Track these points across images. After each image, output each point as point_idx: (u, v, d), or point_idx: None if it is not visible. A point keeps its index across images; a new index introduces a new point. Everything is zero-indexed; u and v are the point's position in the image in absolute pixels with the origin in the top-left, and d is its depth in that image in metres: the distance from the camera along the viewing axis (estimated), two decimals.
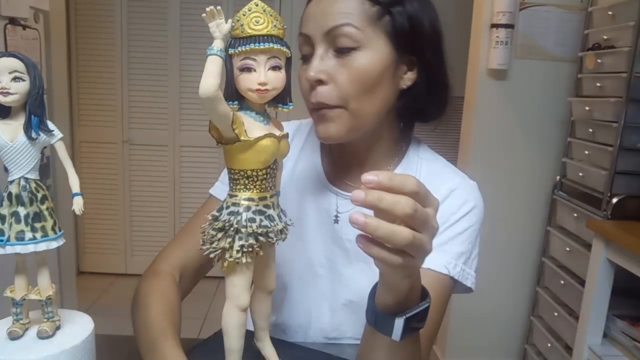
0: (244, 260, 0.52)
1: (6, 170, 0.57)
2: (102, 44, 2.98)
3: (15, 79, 0.54)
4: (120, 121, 3.06)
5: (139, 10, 2.95)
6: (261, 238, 0.53)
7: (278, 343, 0.64)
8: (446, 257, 0.76)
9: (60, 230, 0.59)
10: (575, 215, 1.91)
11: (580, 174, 1.90)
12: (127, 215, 3.15)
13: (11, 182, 0.57)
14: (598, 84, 1.83)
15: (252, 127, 0.53)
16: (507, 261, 2.25)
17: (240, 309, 0.55)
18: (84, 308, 2.68)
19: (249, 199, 0.53)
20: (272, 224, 0.54)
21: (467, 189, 0.82)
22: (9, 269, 0.59)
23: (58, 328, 0.61)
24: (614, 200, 1.67)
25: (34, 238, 0.57)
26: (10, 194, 0.57)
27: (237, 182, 0.54)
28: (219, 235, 0.53)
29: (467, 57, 2.22)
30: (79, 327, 0.62)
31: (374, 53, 0.71)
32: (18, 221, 0.56)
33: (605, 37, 1.81)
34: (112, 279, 3.17)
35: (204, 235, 0.54)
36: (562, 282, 1.95)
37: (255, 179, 0.53)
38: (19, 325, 0.60)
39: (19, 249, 0.56)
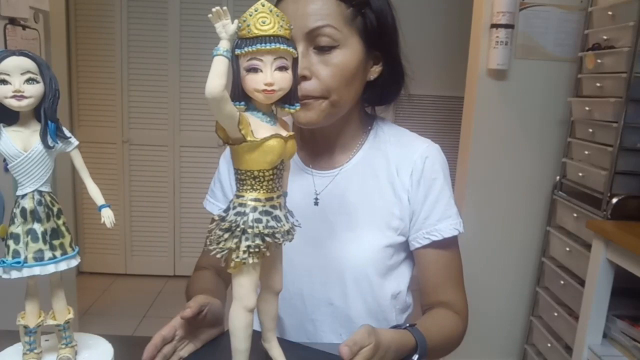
0: (250, 260, 0.52)
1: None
2: (102, 44, 2.97)
3: (29, 80, 0.49)
4: (120, 121, 3.06)
5: (139, 10, 2.95)
6: (268, 239, 0.53)
7: (285, 344, 0.64)
8: (452, 221, 0.90)
9: (76, 246, 0.54)
10: (575, 215, 1.91)
11: (580, 174, 1.90)
12: (127, 215, 3.14)
13: (23, 196, 0.51)
14: (598, 84, 1.83)
15: (259, 127, 0.53)
16: (507, 261, 2.25)
17: (247, 310, 0.55)
18: (84, 308, 2.68)
19: (256, 200, 0.53)
20: (279, 224, 0.54)
21: (435, 153, 0.92)
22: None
23: (76, 354, 0.56)
24: (614, 200, 1.67)
25: (54, 257, 0.51)
26: (24, 210, 0.50)
27: (244, 182, 0.54)
28: (226, 235, 0.53)
29: (467, 57, 2.22)
30: (97, 351, 0.59)
31: (350, 50, 0.79)
32: (35, 239, 0.50)
33: (605, 37, 1.81)
34: (112, 279, 3.17)
35: (211, 236, 0.54)
36: (562, 282, 1.95)
37: (262, 180, 0.53)
38: (33, 355, 0.54)
39: (37, 270, 0.51)
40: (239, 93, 0.52)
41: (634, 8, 1.62)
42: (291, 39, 0.54)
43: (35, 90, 0.50)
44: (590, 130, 1.86)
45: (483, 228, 2.21)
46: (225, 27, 0.48)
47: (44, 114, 0.51)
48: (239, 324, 0.55)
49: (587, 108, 1.88)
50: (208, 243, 0.55)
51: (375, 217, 0.88)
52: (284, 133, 0.55)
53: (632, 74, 1.62)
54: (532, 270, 2.24)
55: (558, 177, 2.08)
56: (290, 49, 0.52)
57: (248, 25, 0.51)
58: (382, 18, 0.83)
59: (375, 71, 0.86)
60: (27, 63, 0.50)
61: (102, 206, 0.54)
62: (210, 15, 0.48)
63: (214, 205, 0.98)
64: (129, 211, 3.15)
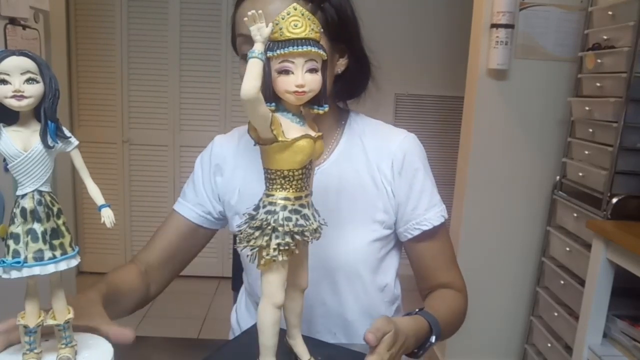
0: (280, 258, 0.54)
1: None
2: (102, 44, 2.97)
3: (28, 80, 0.49)
4: (120, 121, 3.06)
5: (139, 10, 2.95)
6: (297, 237, 0.54)
7: (309, 341, 0.65)
8: (438, 209, 0.91)
9: (76, 246, 0.54)
10: (575, 215, 1.91)
11: (580, 174, 1.90)
12: (127, 216, 3.14)
13: (23, 196, 0.51)
14: (598, 84, 1.83)
15: (289, 128, 0.54)
16: (507, 261, 2.25)
17: (275, 306, 0.56)
18: None
19: (286, 199, 0.55)
20: (308, 223, 0.56)
21: (413, 143, 0.92)
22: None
23: (76, 354, 0.56)
24: (614, 200, 1.67)
25: (54, 257, 0.51)
26: (24, 210, 0.50)
27: (274, 181, 0.55)
28: (256, 233, 0.54)
29: (467, 57, 2.22)
30: (97, 351, 0.59)
31: None
32: (35, 239, 0.50)
33: (605, 37, 1.82)
34: None
35: (241, 234, 0.56)
36: (562, 282, 1.95)
37: (292, 179, 0.55)
38: (33, 355, 0.54)
39: (37, 270, 0.51)
40: (269, 94, 0.53)
41: (634, 8, 1.62)
42: (321, 41, 0.55)
43: (35, 90, 0.50)
44: (590, 130, 1.87)
45: (483, 228, 2.21)
46: (260, 30, 0.50)
47: (44, 113, 0.51)
48: (268, 320, 0.56)
49: (587, 108, 1.88)
50: (238, 241, 0.56)
51: (360, 213, 0.88)
52: (313, 133, 0.56)
53: (632, 74, 1.62)
54: (532, 270, 2.24)
55: (558, 177, 2.08)
56: (321, 52, 0.53)
57: (280, 29, 0.52)
58: (341, 11, 0.82)
59: (342, 64, 0.85)
60: (27, 63, 0.49)
61: (102, 206, 0.53)
62: (246, 19, 0.50)
63: (183, 205, 0.98)
64: (129, 211, 3.15)
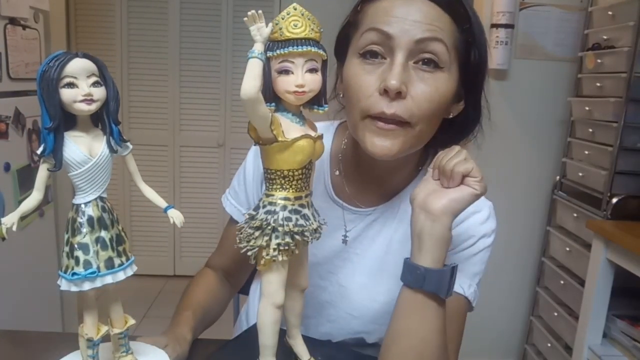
0: (280, 258, 0.54)
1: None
2: (102, 44, 2.97)
3: (94, 83, 0.48)
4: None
5: (139, 10, 2.95)
6: (297, 237, 0.54)
7: (309, 341, 0.65)
8: (462, 277, 0.78)
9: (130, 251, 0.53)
10: (575, 215, 1.91)
11: (580, 174, 1.90)
12: (127, 215, 3.14)
13: (86, 204, 0.50)
14: (598, 84, 1.83)
15: (289, 128, 0.54)
16: (507, 261, 2.25)
17: (275, 306, 0.56)
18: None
19: (285, 199, 0.55)
20: (307, 223, 0.56)
21: (487, 212, 0.84)
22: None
23: None
24: (614, 200, 1.67)
25: (122, 264, 0.51)
26: (90, 218, 0.49)
27: (274, 181, 0.55)
28: (256, 233, 0.54)
29: None
30: (155, 358, 0.59)
31: (450, 78, 0.69)
32: (105, 247, 0.50)
33: (605, 37, 1.82)
34: None
35: (241, 234, 0.56)
36: (562, 282, 1.95)
37: (292, 179, 0.55)
38: None
39: (109, 278, 0.50)
40: (269, 94, 0.52)
41: (634, 8, 1.62)
42: (321, 41, 0.54)
43: (101, 93, 0.49)
44: (590, 130, 1.87)
45: None
46: (260, 30, 0.50)
47: (108, 117, 0.50)
48: (268, 320, 0.56)
49: (587, 108, 1.88)
50: (238, 241, 0.56)
51: (400, 268, 0.77)
52: (313, 133, 0.56)
53: (632, 74, 1.62)
54: (532, 270, 2.24)
55: (558, 177, 2.08)
56: (321, 52, 0.53)
57: (280, 29, 0.52)
58: (482, 57, 0.73)
59: (457, 108, 0.76)
60: (90, 65, 0.48)
61: (167, 207, 0.54)
62: (245, 19, 0.49)
63: (235, 209, 0.89)
64: (129, 211, 3.14)
